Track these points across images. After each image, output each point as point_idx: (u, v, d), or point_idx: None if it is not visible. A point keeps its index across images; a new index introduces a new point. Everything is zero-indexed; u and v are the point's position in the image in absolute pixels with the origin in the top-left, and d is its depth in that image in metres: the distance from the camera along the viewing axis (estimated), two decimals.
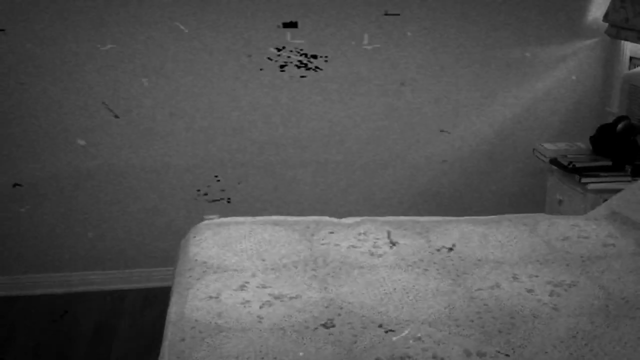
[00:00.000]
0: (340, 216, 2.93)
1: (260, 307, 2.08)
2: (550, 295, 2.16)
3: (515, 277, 2.28)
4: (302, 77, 3.70)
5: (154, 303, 3.59)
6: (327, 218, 2.83)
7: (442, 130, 3.91)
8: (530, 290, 2.19)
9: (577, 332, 1.94)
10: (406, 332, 1.95)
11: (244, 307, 2.08)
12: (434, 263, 2.41)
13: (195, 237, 2.63)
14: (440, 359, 1.84)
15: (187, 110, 3.66)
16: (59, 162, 3.62)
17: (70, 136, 3.59)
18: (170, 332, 1.99)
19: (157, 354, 1.97)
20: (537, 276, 2.29)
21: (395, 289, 2.20)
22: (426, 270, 2.35)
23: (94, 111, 3.58)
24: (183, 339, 1.93)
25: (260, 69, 3.66)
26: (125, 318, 3.52)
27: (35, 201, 3.65)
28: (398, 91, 3.81)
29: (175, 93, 3.63)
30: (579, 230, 2.68)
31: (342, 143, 3.84)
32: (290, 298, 2.14)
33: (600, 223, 2.74)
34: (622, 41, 3.84)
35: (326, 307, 2.08)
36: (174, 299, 2.18)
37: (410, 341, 1.90)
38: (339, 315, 2.04)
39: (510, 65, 3.88)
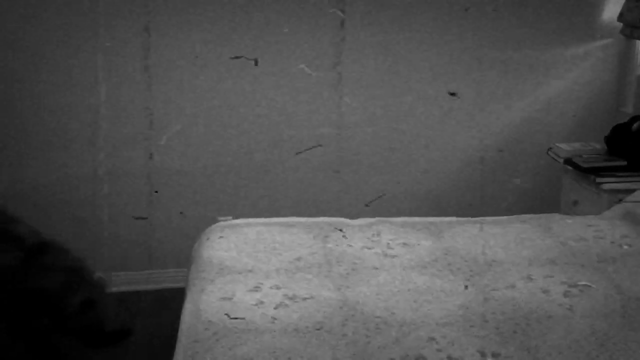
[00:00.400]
0: (353, 217, 2.94)
1: (275, 308, 2.08)
2: (565, 296, 2.15)
3: (529, 278, 2.27)
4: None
5: (169, 304, 3.60)
6: (340, 219, 2.83)
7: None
8: (545, 291, 2.18)
9: (593, 333, 1.93)
10: (421, 332, 1.94)
11: (258, 308, 2.09)
12: (448, 264, 2.40)
13: (208, 238, 2.63)
14: (454, 359, 1.83)
15: (207, 112, 3.68)
16: (71, 163, 3.64)
17: (75, 137, 3.61)
18: (184, 334, 2.00)
19: (171, 356, 1.98)
20: (552, 277, 2.28)
21: (409, 289, 2.20)
22: (440, 271, 2.35)
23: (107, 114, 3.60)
24: (197, 340, 1.93)
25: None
26: (140, 319, 3.52)
27: (47, 201, 3.67)
28: (415, 91, 3.81)
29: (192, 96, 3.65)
30: (594, 231, 2.66)
31: (356, 141, 3.84)
32: (304, 299, 2.14)
33: (614, 223, 2.73)
34: (637, 41, 3.82)
35: (340, 307, 2.08)
36: (188, 300, 2.19)
37: (424, 342, 1.90)
38: (353, 315, 2.04)
39: (525, 66, 3.87)
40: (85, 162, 3.64)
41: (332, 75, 3.72)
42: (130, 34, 3.52)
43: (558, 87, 3.93)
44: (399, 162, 3.90)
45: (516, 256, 2.45)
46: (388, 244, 2.57)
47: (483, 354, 1.85)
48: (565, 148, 3.59)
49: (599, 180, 3.27)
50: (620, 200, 3.08)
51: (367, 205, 3.90)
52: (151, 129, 3.65)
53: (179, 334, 2.04)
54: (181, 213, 3.76)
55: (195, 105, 3.67)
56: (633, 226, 2.69)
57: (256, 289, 2.20)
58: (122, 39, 3.52)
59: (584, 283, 2.23)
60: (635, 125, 3.36)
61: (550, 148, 3.70)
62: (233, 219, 3.08)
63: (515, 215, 2.89)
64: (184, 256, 3.32)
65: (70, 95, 3.55)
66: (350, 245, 2.55)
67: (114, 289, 3.77)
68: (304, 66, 3.69)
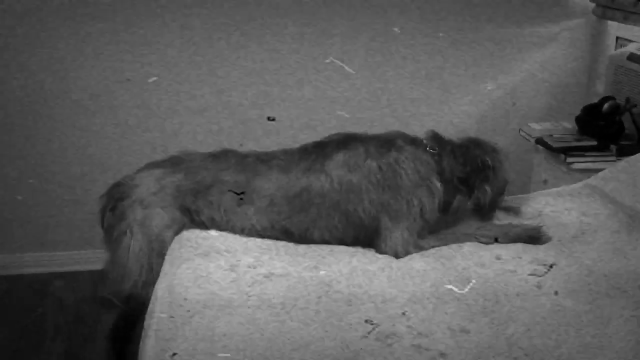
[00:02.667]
0: None
1: (249, 286, 2.08)
2: (533, 274, 2.17)
3: (498, 258, 2.28)
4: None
5: None
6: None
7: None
8: (513, 271, 2.19)
9: (560, 310, 1.96)
10: (392, 310, 1.96)
11: (233, 285, 2.09)
12: None
13: None
14: (425, 335, 1.85)
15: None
16: (36, 142, 3.60)
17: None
18: (157, 310, 2.00)
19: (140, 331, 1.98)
20: (520, 257, 2.29)
21: (382, 268, 2.21)
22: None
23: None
24: (171, 317, 1.93)
25: None
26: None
27: (15, 181, 3.62)
28: (383, 72, 3.80)
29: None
30: (552, 211, 2.66)
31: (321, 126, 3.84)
32: (280, 276, 2.14)
33: (575, 200, 2.73)
34: (608, 21, 3.84)
35: (315, 284, 2.09)
36: (162, 278, 2.18)
37: (396, 318, 1.92)
38: (327, 292, 2.05)
39: (497, 46, 3.88)
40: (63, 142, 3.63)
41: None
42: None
43: (529, 67, 3.95)
44: None
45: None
46: None
47: (453, 330, 1.88)
48: (537, 128, 3.62)
49: (569, 159, 3.30)
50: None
51: None
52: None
53: (151, 309, 2.04)
54: None
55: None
56: (597, 200, 2.70)
57: (232, 267, 2.20)
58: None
59: (550, 262, 2.24)
60: (606, 106, 3.39)
61: (522, 128, 3.73)
62: None
63: None
64: None
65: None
66: None
67: (81, 267, 3.74)
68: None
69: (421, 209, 2.35)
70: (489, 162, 2.44)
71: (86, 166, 3.67)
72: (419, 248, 2.35)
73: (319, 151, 2.41)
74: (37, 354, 3.05)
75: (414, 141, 2.44)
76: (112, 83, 3.59)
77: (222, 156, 2.44)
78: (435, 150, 2.42)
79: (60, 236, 3.77)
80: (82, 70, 3.56)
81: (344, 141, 2.44)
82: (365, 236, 2.38)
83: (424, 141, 2.45)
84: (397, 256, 2.30)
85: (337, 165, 2.36)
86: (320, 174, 2.35)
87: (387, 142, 2.41)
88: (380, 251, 2.34)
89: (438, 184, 2.38)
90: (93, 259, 3.72)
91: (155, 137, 3.67)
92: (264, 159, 2.42)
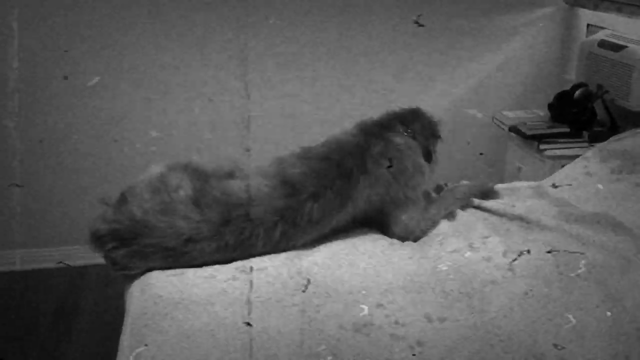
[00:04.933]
0: None
1: (225, 281, 2.07)
2: (505, 257, 2.18)
3: (471, 246, 2.29)
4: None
5: (116, 279, 3.56)
6: None
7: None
8: (487, 258, 2.20)
9: (534, 296, 1.97)
10: (369, 300, 1.96)
11: (209, 281, 2.07)
12: None
13: None
14: (402, 324, 1.86)
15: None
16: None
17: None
18: (132, 307, 1.99)
19: (120, 331, 1.97)
20: (493, 245, 2.29)
21: (360, 260, 2.21)
22: (390, 243, 2.35)
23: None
24: (145, 313, 1.92)
25: None
26: (87, 294, 3.49)
27: None
28: (356, 64, 3.80)
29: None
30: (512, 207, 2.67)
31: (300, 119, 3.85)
32: (257, 270, 2.13)
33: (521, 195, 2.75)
34: (579, 8, 3.87)
35: (291, 277, 2.09)
36: (137, 276, 2.16)
37: (373, 308, 1.92)
38: (305, 285, 2.04)
39: (469, 35, 3.89)
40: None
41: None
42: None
43: (501, 56, 3.97)
44: None
45: (454, 227, 2.46)
46: None
47: (429, 319, 1.89)
48: (510, 116, 3.64)
49: (542, 146, 3.33)
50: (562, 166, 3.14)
51: None
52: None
53: (127, 307, 2.03)
54: None
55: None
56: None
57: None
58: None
59: (521, 248, 2.25)
60: (578, 93, 3.42)
61: (495, 116, 3.75)
62: None
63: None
64: None
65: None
66: None
67: (60, 264, 3.72)
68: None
69: (420, 188, 2.47)
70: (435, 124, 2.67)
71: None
72: (431, 221, 2.45)
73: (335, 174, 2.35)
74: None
75: (391, 128, 2.52)
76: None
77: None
78: (410, 132, 2.54)
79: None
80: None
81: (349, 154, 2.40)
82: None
83: (400, 128, 2.53)
84: (414, 236, 2.39)
85: (362, 193, 2.36)
86: (349, 204, 2.34)
87: (378, 141, 2.45)
88: (392, 235, 2.39)
89: (424, 162, 2.52)
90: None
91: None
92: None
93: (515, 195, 2.72)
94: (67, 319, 3.27)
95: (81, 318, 3.28)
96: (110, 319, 3.17)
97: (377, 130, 2.49)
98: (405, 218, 2.40)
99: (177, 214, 2.16)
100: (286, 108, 3.80)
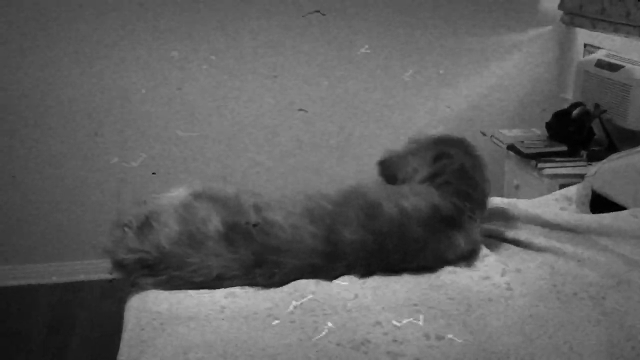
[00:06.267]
0: None
1: (225, 298, 2.07)
2: (503, 277, 2.18)
3: (469, 265, 2.29)
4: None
5: (113, 295, 3.56)
6: None
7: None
8: (485, 277, 2.20)
9: (531, 315, 1.97)
10: (367, 318, 1.96)
11: (208, 297, 2.07)
12: None
13: None
14: (399, 342, 1.85)
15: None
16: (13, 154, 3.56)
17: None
18: (130, 322, 1.98)
19: (117, 346, 1.95)
20: (489, 263, 2.29)
21: (355, 277, 2.20)
22: None
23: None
24: (143, 329, 1.91)
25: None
26: (83, 310, 3.47)
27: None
28: (352, 84, 3.82)
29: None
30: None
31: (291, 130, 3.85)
32: (255, 289, 2.13)
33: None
34: (577, 28, 3.89)
35: (290, 294, 2.08)
36: (135, 291, 2.15)
37: (371, 326, 1.92)
38: (302, 303, 2.04)
39: (467, 53, 3.92)
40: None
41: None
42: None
43: (499, 74, 3.99)
44: (342, 147, 3.91)
45: None
46: None
47: (428, 337, 1.88)
48: (507, 134, 3.65)
49: (540, 165, 3.33)
50: (560, 186, 3.14)
51: None
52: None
53: (125, 323, 2.02)
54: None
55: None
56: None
57: None
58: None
59: (519, 267, 2.25)
60: (575, 112, 3.43)
61: (493, 134, 3.76)
62: None
63: None
64: None
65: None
66: None
67: (54, 279, 3.70)
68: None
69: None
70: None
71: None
72: (481, 233, 2.39)
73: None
74: None
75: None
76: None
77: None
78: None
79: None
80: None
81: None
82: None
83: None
84: (477, 248, 2.33)
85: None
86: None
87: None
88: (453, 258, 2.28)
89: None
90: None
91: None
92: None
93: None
94: (62, 335, 3.25)
95: (76, 334, 3.27)
96: (106, 335, 3.17)
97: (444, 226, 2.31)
98: (460, 238, 2.30)
99: (208, 251, 2.11)
100: (274, 117, 3.82)
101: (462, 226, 2.28)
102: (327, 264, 2.17)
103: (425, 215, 2.24)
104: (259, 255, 2.13)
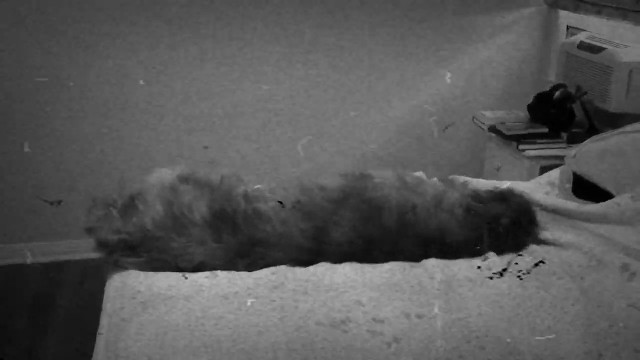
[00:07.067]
0: None
1: (205, 277, 2.07)
2: (483, 260, 2.19)
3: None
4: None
5: (94, 275, 3.55)
6: None
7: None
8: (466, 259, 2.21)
9: (510, 294, 1.99)
10: (347, 296, 1.97)
11: (187, 277, 2.07)
12: None
13: None
14: (380, 321, 1.86)
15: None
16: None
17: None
18: (110, 301, 1.98)
19: (97, 326, 1.95)
20: None
21: None
22: None
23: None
24: (123, 307, 1.91)
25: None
26: (64, 290, 3.46)
27: None
28: (339, 64, 3.81)
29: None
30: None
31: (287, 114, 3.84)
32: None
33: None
34: (560, 10, 3.90)
35: (271, 273, 2.08)
36: (115, 271, 2.15)
37: (351, 305, 1.93)
38: (282, 282, 2.04)
39: (450, 35, 3.91)
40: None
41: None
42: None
43: (481, 56, 3.99)
44: (331, 131, 3.91)
45: None
46: None
47: (408, 316, 1.89)
48: (489, 116, 3.66)
49: (521, 147, 3.35)
50: (541, 168, 3.16)
51: None
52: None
53: (104, 302, 2.01)
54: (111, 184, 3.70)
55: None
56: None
57: None
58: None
59: None
60: (557, 94, 3.44)
61: (475, 116, 3.77)
62: None
63: None
64: None
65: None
66: None
67: (35, 260, 3.69)
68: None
69: None
70: None
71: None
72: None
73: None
74: None
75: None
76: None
77: None
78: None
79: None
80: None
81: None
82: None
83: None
84: None
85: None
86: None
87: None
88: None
89: None
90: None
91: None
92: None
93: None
94: (43, 314, 3.25)
95: (57, 313, 3.26)
96: (87, 314, 3.16)
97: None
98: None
99: (192, 237, 2.10)
100: (266, 108, 3.81)
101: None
102: (311, 260, 2.15)
103: (430, 236, 2.19)
104: (244, 246, 2.12)
